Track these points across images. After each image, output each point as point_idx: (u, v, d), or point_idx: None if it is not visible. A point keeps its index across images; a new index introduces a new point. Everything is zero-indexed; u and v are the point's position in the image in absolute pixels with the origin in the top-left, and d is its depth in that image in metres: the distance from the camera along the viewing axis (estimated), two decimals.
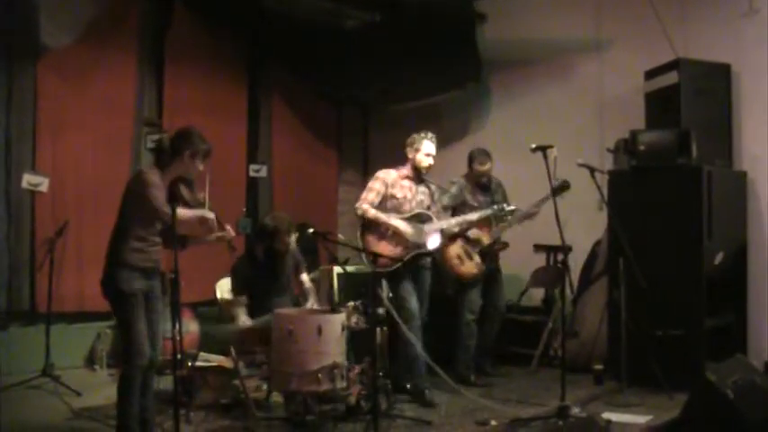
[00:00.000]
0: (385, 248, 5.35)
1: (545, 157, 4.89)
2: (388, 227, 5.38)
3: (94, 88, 6.52)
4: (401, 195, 5.51)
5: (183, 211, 3.96)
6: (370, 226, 5.44)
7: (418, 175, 5.58)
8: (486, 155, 6.08)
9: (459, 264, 5.91)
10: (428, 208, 5.59)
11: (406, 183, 5.56)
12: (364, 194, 5.51)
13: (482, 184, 6.14)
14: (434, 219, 5.53)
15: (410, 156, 5.56)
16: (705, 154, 5.75)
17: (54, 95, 6.27)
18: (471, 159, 6.11)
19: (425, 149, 5.51)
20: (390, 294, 5.43)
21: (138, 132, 6.86)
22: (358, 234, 5.49)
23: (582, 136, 6.80)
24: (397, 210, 5.47)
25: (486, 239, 5.94)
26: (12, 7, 5.86)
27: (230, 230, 4.29)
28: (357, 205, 5.48)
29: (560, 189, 5.38)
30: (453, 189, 6.06)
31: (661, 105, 6.04)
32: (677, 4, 6.46)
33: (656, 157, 5.72)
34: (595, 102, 7.02)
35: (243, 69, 7.72)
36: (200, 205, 4.18)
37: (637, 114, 6.23)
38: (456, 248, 5.91)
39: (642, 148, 5.77)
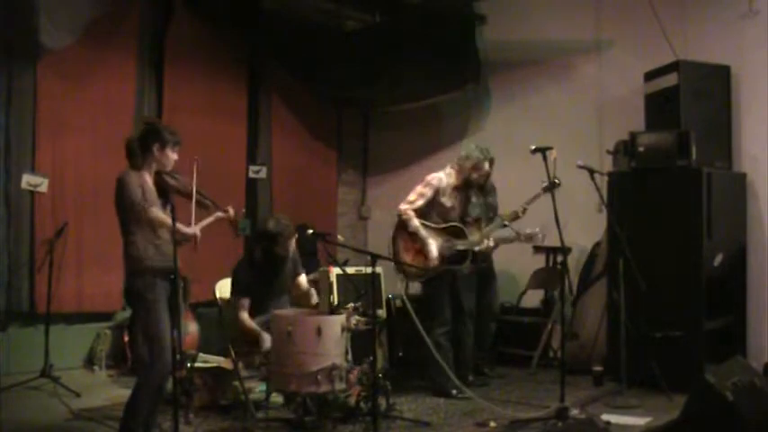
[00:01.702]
0: (415, 257, 5.53)
1: (544, 158, 4.90)
2: (422, 243, 5.52)
3: (94, 89, 6.52)
4: (449, 205, 5.64)
5: (159, 214, 3.98)
6: (405, 231, 5.57)
7: (466, 188, 5.70)
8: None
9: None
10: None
11: (455, 192, 5.67)
12: (413, 198, 5.61)
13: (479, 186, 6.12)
14: (468, 234, 5.60)
15: (465, 170, 5.65)
16: (705, 155, 5.76)
17: (54, 96, 6.26)
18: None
19: (484, 170, 5.66)
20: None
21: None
22: (391, 234, 5.61)
23: (581, 137, 6.81)
24: (443, 217, 5.61)
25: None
26: (12, 8, 5.86)
27: (230, 210, 4.30)
28: (402, 208, 5.58)
29: (551, 187, 5.33)
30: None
31: (661, 107, 6.04)
32: (677, 5, 6.46)
33: (656, 159, 5.73)
34: (595, 103, 7.02)
35: (243, 70, 7.71)
36: (189, 192, 4.19)
37: (636, 116, 6.24)
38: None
39: (642, 149, 5.77)
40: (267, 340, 4.92)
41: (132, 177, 4.03)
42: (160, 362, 3.96)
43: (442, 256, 5.55)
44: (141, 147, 4.12)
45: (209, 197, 4.25)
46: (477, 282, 6.04)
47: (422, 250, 5.56)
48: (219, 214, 4.31)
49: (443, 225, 5.62)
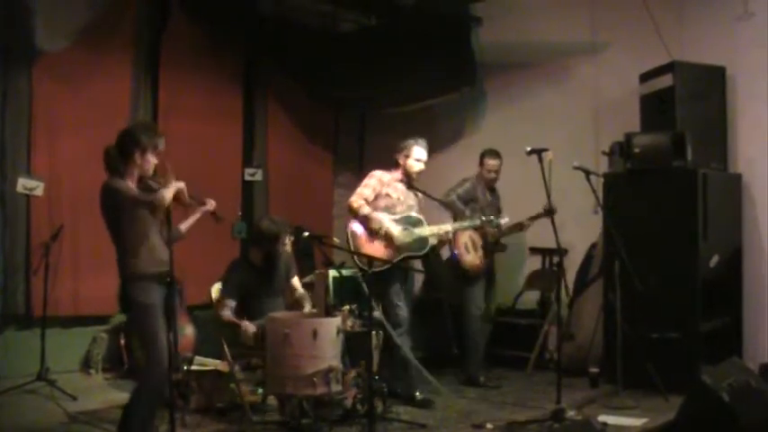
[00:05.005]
0: (376, 248, 5.35)
1: (540, 160, 4.91)
2: (380, 226, 5.36)
3: (90, 92, 6.49)
4: (395, 196, 5.52)
5: (164, 191, 3.92)
6: (362, 222, 5.43)
7: (409, 181, 5.60)
8: (497, 154, 6.21)
9: (464, 252, 5.96)
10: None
11: (399, 186, 5.57)
12: (359, 190, 5.52)
13: (490, 185, 6.26)
14: (424, 222, 5.50)
15: (401, 162, 5.56)
16: (700, 157, 5.77)
17: (49, 99, 6.25)
18: (483, 157, 6.23)
19: (416, 155, 5.53)
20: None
21: None
22: (348, 229, 5.47)
23: (577, 139, 6.81)
24: (389, 209, 5.47)
25: (491, 236, 6.04)
26: (7, 10, 5.85)
27: (211, 202, 4.29)
28: (352, 200, 5.49)
29: (548, 213, 5.35)
30: (467, 184, 6.15)
31: (656, 108, 6.05)
32: (672, 6, 6.48)
33: (652, 160, 5.73)
34: (591, 104, 7.03)
35: (238, 73, 7.70)
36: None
37: (632, 117, 6.25)
38: (465, 237, 5.97)
39: (637, 150, 5.78)
40: (249, 326, 4.92)
41: (120, 183, 3.99)
42: (158, 366, 3.94)
43: (397, 246, 5.36)
44: (121, 155, 4.05)
45: (192, 194, 4.21)
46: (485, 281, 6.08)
47: (378, 237, 5.36)
48: (203, 208, 4.30)
49: (398, 216, 5.46)
